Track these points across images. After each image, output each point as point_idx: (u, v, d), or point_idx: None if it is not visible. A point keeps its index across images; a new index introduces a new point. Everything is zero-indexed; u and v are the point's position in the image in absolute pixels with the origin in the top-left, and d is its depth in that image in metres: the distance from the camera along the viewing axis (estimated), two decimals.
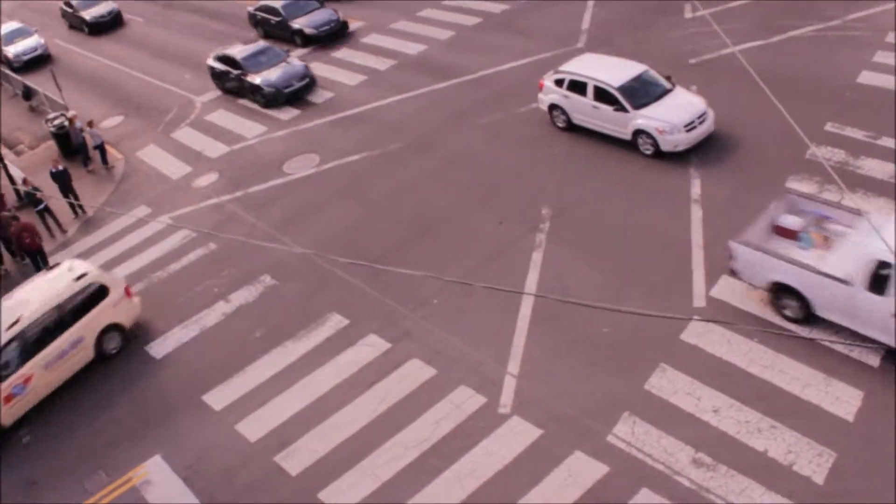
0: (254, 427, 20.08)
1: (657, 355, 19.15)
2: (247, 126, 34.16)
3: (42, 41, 47.76)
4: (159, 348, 23.53)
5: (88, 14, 50.33)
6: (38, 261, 27.74)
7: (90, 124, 33.83)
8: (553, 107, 28.32)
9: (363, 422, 19.35)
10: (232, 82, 36.75)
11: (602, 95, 26.53)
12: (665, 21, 33.80)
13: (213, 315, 24.17)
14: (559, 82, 27.85)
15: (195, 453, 19.91)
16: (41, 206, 29.55)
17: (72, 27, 52.23)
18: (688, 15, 33.83)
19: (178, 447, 20.21)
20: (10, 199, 32.26)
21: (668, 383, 18.43)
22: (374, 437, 18.89)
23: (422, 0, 41.91)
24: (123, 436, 21.02)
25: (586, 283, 21.76)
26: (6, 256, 28.99)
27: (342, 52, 38.50)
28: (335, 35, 40.14)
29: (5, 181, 32.36)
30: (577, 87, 27.27)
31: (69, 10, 51.79)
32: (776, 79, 27.67)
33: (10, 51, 46.96)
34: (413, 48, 37.16)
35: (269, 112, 34.69)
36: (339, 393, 20.31)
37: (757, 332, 18.95)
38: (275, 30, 41.63)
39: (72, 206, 30.63)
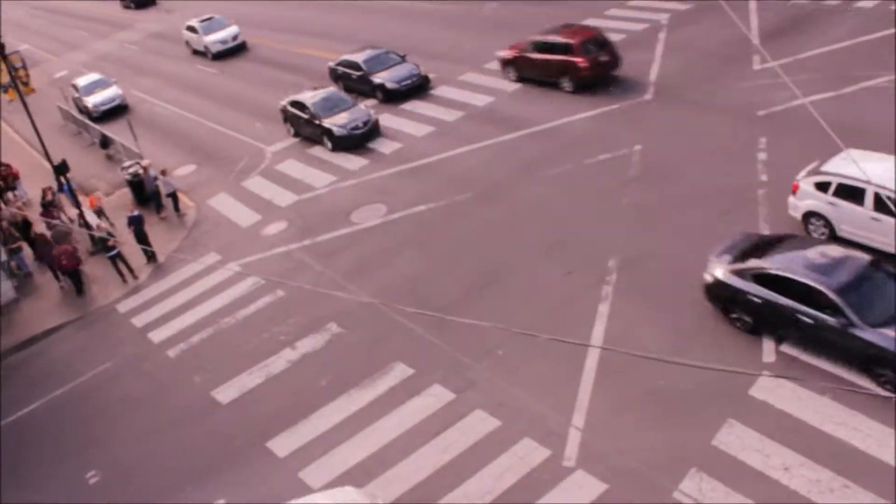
0: (317, 474, 20.12)
1: (725, 411, 18.81)
2: (316, 176, 34.64)
3: (120, 92, 49.22)
4: (225, 393, 23.77)
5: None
6: (77, 283, 31.00)
7: (164, 173, 34.66)
8: (811, 215, 23.16)
9: (426, 472, 19.27)
10: (304, 126, 37.81)
11: (884, 204, 21.49)
12: (733, 72, 33.61)
13: (279, 362, 24.37)
14: (822, 186, 22.78)
15: (259, 499, 19.99)
16: (113, 253, 30.19)
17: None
18: (756, 66, 33.61)
19: (242, 493, 20.32)
20: (82, 243, 33.11)
21: (736, 439, 18.08)
22: (437, 489, 18.80)
23: (487, 52, 42.28)
24: (188, 480, 21.22)
25: (653, 336, 21.52)
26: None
27: (410, 104, 38.90)
28: (418, 89, 39.73)
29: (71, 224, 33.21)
30: (850, 192, 22.17)
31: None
32: (847, 131, 27.20)
33: (90, 101, 48.41)
34: (481, 100, 37.43)
35: (338, 162, 35.13)
36: (402, 442, 20.27)
37: (829, 388, 18.53)
38: (356, 84, 41.13)
39: (145, 251, 31.25)
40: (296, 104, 38.29)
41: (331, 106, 37.14)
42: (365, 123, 36.20)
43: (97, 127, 44.16)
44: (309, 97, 37.93)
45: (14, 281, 32.72)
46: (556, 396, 20.41)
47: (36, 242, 33.48)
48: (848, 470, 16.84)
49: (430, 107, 38.11)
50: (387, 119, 37.95)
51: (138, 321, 28.31)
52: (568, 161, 30.53)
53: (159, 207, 34.93)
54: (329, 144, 36.34)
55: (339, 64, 42.60)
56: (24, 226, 34.31)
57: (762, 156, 27.63)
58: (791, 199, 23.71)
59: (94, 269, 32.34)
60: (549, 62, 36.34)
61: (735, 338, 20.69)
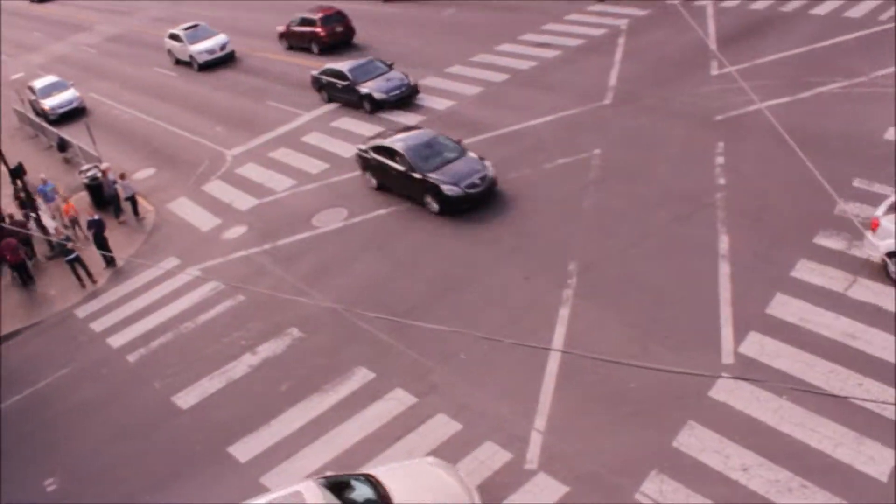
0: (279, 479, 20.02)
1: (685, 412, 18.99)
2: (276, 179, 34.52)
3: (78, 94, 48.72)
4: (186, 399, 23.61)
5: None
6: (23, 275, 31.73)
7: (122, 177, 34.32)
8: (894, 255, 20.97)
9: None
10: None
11: None
12: (691, 77, 33.99)
13: (239, 367, 24.25)
14: None
15: None
16: (72, 256, 29.89)
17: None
18: (714, 72, 34.01)
19: (203, 498, 20.18)
20: (41, 247, 32.74)
21: (696, 441, 18.25)
22: None
23: (450, 56, 42.42)
24: (149, 486, 21.04)
25: (613, 339, 21.68)
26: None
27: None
28: (406, 99, 38.10)
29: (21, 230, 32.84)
30: None
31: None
32: (804, 135, 27.70)
33: (47, 104, 47.86)
34: (441, 104, 37.51)
35: (299, 165, 35.00)
36: (364, 446, 20.25)
37: (787, 389, 18.78)
38: (341, 94, 39.59)
39: (104, 256, 30.97)
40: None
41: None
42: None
43: (54, 130, 43.67)
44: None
45: None
46: (518, 400, 20.49)
47: None
48: (805, 470, 17.06)
49: (391, 111, 38.06)
50: (345, 123, 37.89)
51: (97, 326, 28.04)
52: (527, 165, 30.67)
53: (118, 211, 34.61)
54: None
55: (322, 73, 40.73)
56: None
57: (720, 160, 27.95)
58: (869, 236, 21.44)
59: (53, 273, 31.98)
60: (303, 33, 48.32)
61: (694, 339, 20.91)
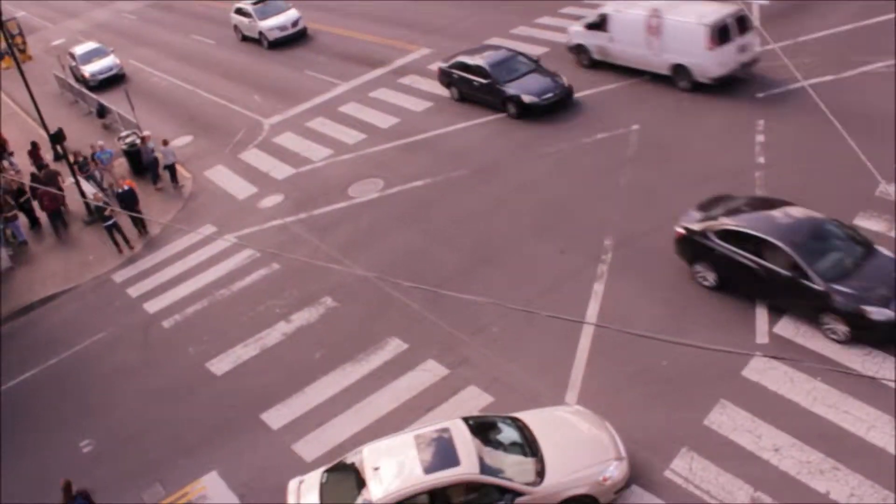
0: (310, 447, 20.21)
1: (717, 391, 18.91)
2: (313, 149, 34.57)
3: (118, 61, 48.92)
4: (220, 365, 23.83)
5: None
6: (57, 223, 33.30)
7: (164, 143, 34.51)
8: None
9: None
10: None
11: None
12: None
13: (273, 335, 24.42)
14: None
15: (252, 471, 20.10)
16: (110, 222, 30.16)
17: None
18: (757, 48, 33.51)
19: (235, 464, 20.42)
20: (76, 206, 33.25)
21: (728, 420, 18.18)
22: None
23: (487, 29, 42.15)
24: (182, 450, 21.31)
25: (647, 315, 21.60)
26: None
27: (409, 79, 38.80)
28: (560, 103, 32.65)
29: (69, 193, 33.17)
30: None
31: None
32: (846, 114, 27.21)
33: (87, 70, 48.15)
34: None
35: (335, 136, 35.04)
36: (396, 417, 20.36)
37: (821, 370, 18.63)
38: (478, 93, 34.43)
39: (135, 223, 31.19)
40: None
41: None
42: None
43: (94, 96, 43.98)
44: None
45: (9, 249, 32.68)
46: (550, 374, 20.49)
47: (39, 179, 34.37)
48: (838, 452, 16.96)
49: (429, 82, 37.99)
50: (383, 93, 37.85)
51: (134, 291, 28.32)
52: (565, 140, 30.50)
53: (156, 178, 34.84)
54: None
55: (453, 67, 35.57)
56: (19, 194, 34.22)
57: (760, 138, 27.64)
58: None
59: (91, 238, 32.30)
60: None
61: (729, 318, 20.77)
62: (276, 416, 21.49)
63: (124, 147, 35.99)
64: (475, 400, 20.22)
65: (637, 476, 17.43)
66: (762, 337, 20.05)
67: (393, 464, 16.83)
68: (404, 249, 26.75)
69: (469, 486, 16.31)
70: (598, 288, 22.93)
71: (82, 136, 41.32)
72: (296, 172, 33.21)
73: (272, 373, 22.99)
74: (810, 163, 25.78)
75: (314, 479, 17.80)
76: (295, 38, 47.74)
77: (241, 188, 33.09)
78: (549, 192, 27.66)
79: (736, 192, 25.09)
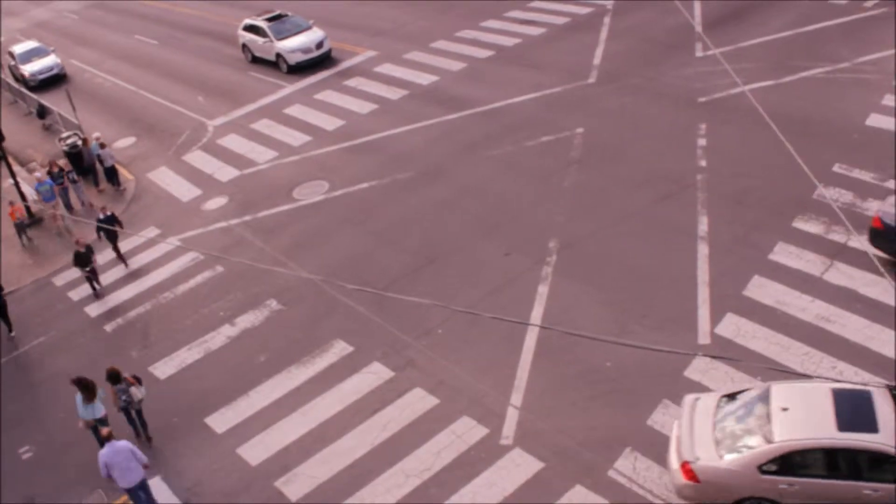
0: (255, 451, 20.09)
1: (660, 391, 19.14)
2: (258, 151, 34.38)
3: (58, 61, 48.17)
4: (164, 369, 23.60)
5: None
6: None
7: (102, 146, 34.05)
8: None
9: (365, 449, 19.35)
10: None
11: None
12: (676, 58, 34.00)
13: (218, 338, 24.24)
14: None
15: (196, 476, 19.92)
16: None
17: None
18: (699, 53, 34.03)
19: (179, 469, 20.22)
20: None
21: (670, 419, 18.40)
22: (375, 465, 18.89)
23: (434, 32, 42.28)
24: None
25: (591, 316, 21.80)
26: None
27: (354, 81, 38.77)
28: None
29: (13, 195, 32.60)
30: None
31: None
32: (786, 119, 27.81)
33: (27, 69, 47.36)
34: (425, 79, 37.42)
35: (280, 138, 34.87)
36: (341, 419, 20.32)
37: (761, 370, 18.94)
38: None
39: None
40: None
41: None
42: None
43: (34, 96, 43.26)
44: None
45: None
46: (495, 376, 20.59)
47: None
48: None
49: (374, 84, 38.00)
50: (329, 96, 37.77)
51: (75, 294, 27.92)
52: (510, 142, 30.68)
53: (97, 180, 34.38)
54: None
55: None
56: None
57: (702, 141, 28.04)
58: None
59: (33, 240, 31.77)
60: None
61: (671, 320, 21.04)
62: (221, 420, 21.33)
63: (65, 148, 35.42)
64: (421, 402, 20.25)
65: (581, 476, 17.59)
66: (704, 337, 20.34)
67: (804, 409, 15.64)
68: (350, 252, 26.71)
69: (875, 457, 14.93)
70: (543, 290, 23.09)
71: (22, 137, 40.74)
72: (240, 174, 32.99)
73: (216, 376, 22.81)
74: (750, 166, 26.21)
75: (710, 401, 16.83)
76: (320, 62, 41.54)
77: (184, 190, 32.78)
78: (495, 194, 27.80)
79: (679, 195, 25.48)
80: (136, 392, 20.62)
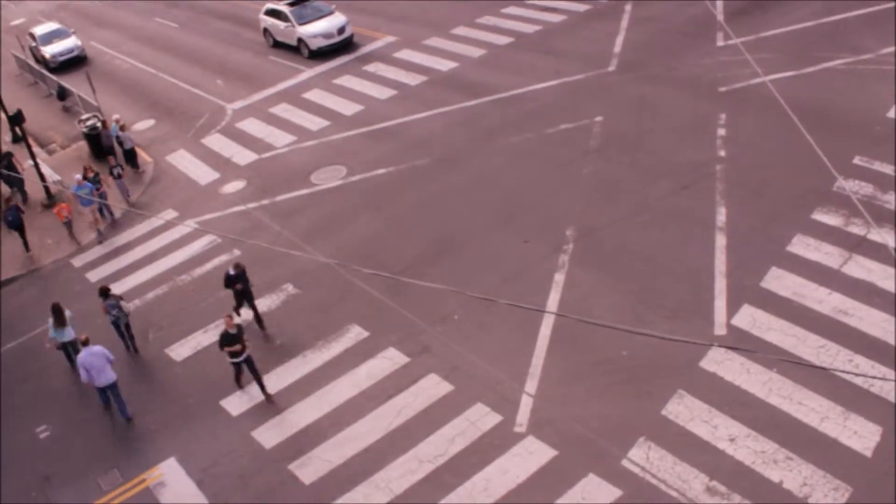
0: (270, 434, 20.18)
1: (675, 381, 19.10)
2: (276, 135, 34.42)
3: (79, 42, 48.31)
4: (180, 351, 23.70)
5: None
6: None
7: (122, 128, 34.16)
8: None
9: (379, 434, 19.40)
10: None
11: None
12: (697, 48, 33.81)
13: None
14: None
15: (210, 457, 20.02)
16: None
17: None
18: (720, 43, 33.81)
19: (194, 450, 20.33)
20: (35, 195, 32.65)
21: (685, 410, 18.38)
22: (388, 451, 18.94)
23: (455, 18, 42.18)
24: (140, 436, 21.18)
25: (607, 305, 21.76)
26: None
27: (374, 66, 38.74)
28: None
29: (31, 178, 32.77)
30: None
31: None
32: (806, 110, 27.60)
33: (48, 51, 47.52)
34: (445, 65, 37.35)
35: (299, 122, 34.90)
36: (356, 404, 20.38)
37: (777, 362, 18.87)
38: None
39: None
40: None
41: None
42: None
43: (54, 78, 43.41)
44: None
45: None
46: (510, 363, 20.59)
47: None
48: (791, 442, 17.20)
49: (393, 70, 37.96)
50: (348, 81, 37.75)
51: (93, 276, 28.05)
52: (529, 129, 30.59)
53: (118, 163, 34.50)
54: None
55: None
56: None
57: (721, 132, 27.89)
58: None
59: (50, 221, 31.90)
60: None
61: (687, 310, 20.99)
62: (236, 403, 21.42)
63: (85, 130, 35.53)
64: (435, 388, 20.28)
65: (594, 465, 17.59)
66: (720, 328, 20.27)
67: None
68: (366, 237, 26.73)
69: None
70: (560, 278, 23.06)
71: (42, 118, 40.91)
72: (258, 158, 33.05)
73: None
74: (770, 157, 26.06)
75: None
76: (342, 48, 41.32)
77: (203, 173, 32.86)
78: (513, 182, 27.75)
79: (697, 185, 25.36)
80: (126, 305, 23.67)
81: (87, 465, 20.72)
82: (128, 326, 23.86)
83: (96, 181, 30.73)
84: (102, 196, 30.87)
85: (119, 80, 44.26)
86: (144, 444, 20.90)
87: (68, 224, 30.53)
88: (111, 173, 31.51)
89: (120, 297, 23.61)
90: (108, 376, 21.34)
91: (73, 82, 42.32)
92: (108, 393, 21.71)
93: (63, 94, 41.84)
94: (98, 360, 21.18)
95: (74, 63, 47.38)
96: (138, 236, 29.59)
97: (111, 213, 31.25)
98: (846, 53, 31.00)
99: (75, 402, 22.89)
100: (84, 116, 36.51)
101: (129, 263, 28.13)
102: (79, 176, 30.25)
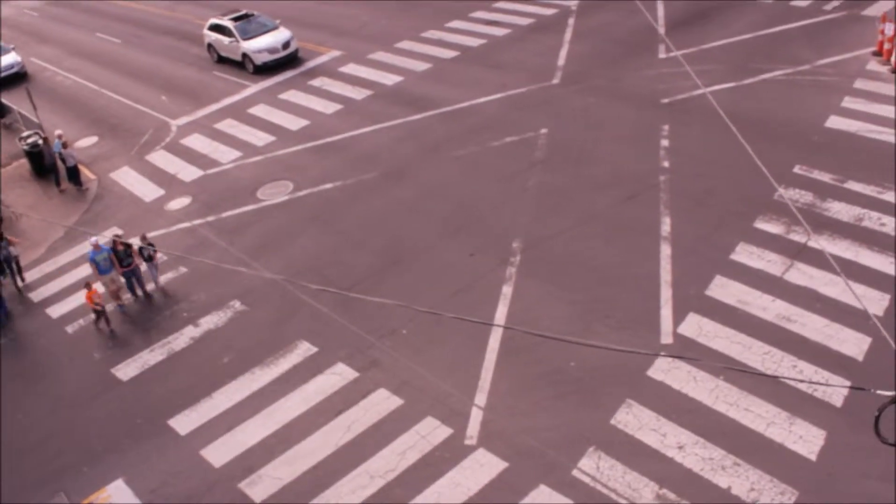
0: (219, 453, 19.99)
1: (623, 391, 19.27)
2: (222, 151, 34.20)
3: (19, 58, 47.58)
4: (126, 370, 23.40)
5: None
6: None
7: (64, 145, 33.70)
8: None
9: (329, 450, 19.31)
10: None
11: None
12: (639, 60, 34.25)
13: (181, 339, 24.08)
14: None
15: (159, 478, 19.78)
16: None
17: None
18: (661, 55, 34.30)
19: (142, 471, 20.07)
20: None
21: (633, 419, 18.54)
22: (339, 466, 18.86)
23: (399, 32, 42.29)
24: (86, 458, 20.85)
25: (555, 316, 21.89)
26: None
27: (319, 81, 38.69)
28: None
29: None
30: None
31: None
32: (746, 121, 28.09)
33: None
34: (390, 79, 37.41)
35: (245, 138, 34.72)
36: (305, 421, 20.27)
37: (723, 369, 19.12)
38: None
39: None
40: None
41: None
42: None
43: None
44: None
45: None
46: (459, 376, 20.62)
47: None
48: (738, 448, 17.43)
49: (338, 84, 37.94)
50: (293, 95, 37.66)
51: (35, 296, 27.62)
52: (475, 142, 30.74)
53: (58, 180, 34.04)
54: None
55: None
56: None
57: (665, 142, 28.26)
58: None
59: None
60: None
61: (634, 320, 21.19)
62: (184, 422, 21.20)
63: (26, 147, 35.02)
64: (385, 402, 20.24)
65: (545, 476, 17.66)
66: (666, 337, 20.50)
67: None
68: (314, 252, 26.64)
69: None
70: (507, 290, 23.16)
71: None
72: (204, 174, 32.80)
73: (180, 378, 22.66)
74: (712, 167, 26.45)
75: None
76: (287, 62, 41.49)
77: (147, 190, 32.54)
78: (459, 195, 27.84)
79: (642, 195, 25.65)
80: (13, 249, 27.46)
81: (33, 489, 20.33)
82: (18, 264, 27.79)
83: (127, 256, 25.67)
84: (132, 275, 26.06)
85: (61, 97, 43.69)
86: (91, 466, 20.57)
87: (100, 315, 25.25)
88: (141, 253, 25.95)
89: (12, 241, 27.57)
90: None
91: (13, 99, 41.68)
92: None
93: (2, 111, 41.21)
94: None
95: (14, 79, 46.63)
96: (82, 254, 29.15)
97: (144, 291, 26.37)
98: (784, 65, 31.62)
99: (19, 425, 22.47)
100: (25, 134, 35.95)
101: (72, 282, 27.71)
102: (95, 239, 25.52)
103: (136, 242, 26.11)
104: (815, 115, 28.09)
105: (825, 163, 25.60)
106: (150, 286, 26.57)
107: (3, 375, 24.41)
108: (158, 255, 26.67)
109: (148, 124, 38.26)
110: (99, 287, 25.81)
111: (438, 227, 26.47)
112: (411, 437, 19.15)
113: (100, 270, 25.61)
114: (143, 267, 26.60)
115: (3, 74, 46.60)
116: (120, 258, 25.64)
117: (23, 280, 28.19)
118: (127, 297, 26.21)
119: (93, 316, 25.51)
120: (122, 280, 26.07)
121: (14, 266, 27.92)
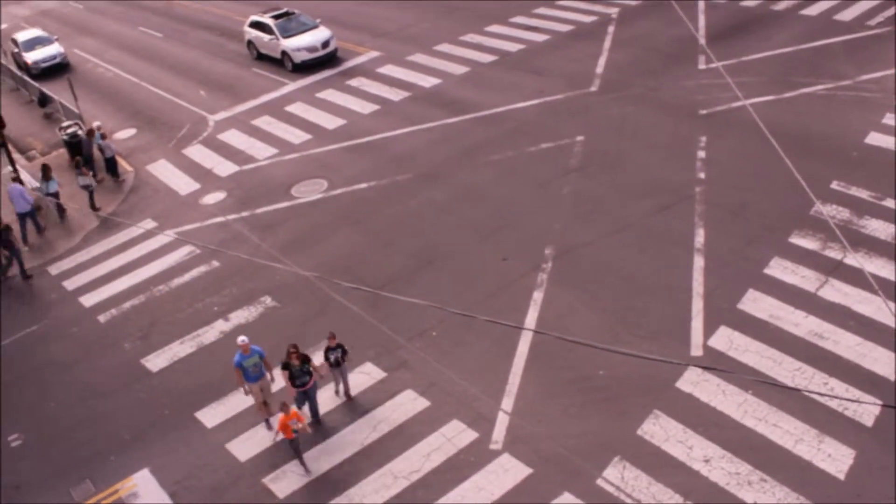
0: (244, 447, 20.08)
1: (651, 401, 19.16)
2: (258, 147, 34.38)
3: (62, 50, 48.10)
4: (156, 362, 23.57)
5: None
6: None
7: (103, 137, 34.02)
8: None
9: (354, 449, 19.35)
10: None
11: None
12: (679, 70, 34.07)
13: (211, 333, 24.22)
14: None
15: (184, 469, 19.90)
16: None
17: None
18: (701, 66, 34.10)
19: (168, 462, 20.21)
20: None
21: (660, 430, 18.43)
22: (363, 466, 18.89)
23: (439, 35, 42.33)
24: (114, 447, 21.02)
25: (585, 324, 21.82)
26: None
27: (357, 81, 38.80)
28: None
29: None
30: None
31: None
32: (785, 134, 27.85)
33: (30, 57, 47.29)
34: (428, 81, 37.45)
35: (281, 135, 34.89)
36: (331, 418, 20.32)
37: (753, 383, 18.97)
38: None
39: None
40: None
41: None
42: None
43: (36, 84, 43.23)
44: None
45: None
46: (487, 380, 20.59)
47: None
48: (766, 464, 17.29)
49: (376, 85, 38.03)
50: (331, 95, 37.79)
51: (70, 284, 27.88)
52: (510, 147, 30.70)
53: (96, 171, 34.34)
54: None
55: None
56: None
57: (701, 153, 28.09)
58: None
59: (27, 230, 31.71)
60: None
61: (664, 330, 21.07)
62: (211, 415, 21.32)
63: (65, 137, 35.35)
64: (411, 404, 20.26)
65: (569, 484, 17.60)
66: (696, 349, 20.37)
67: None
68: (346, 251, 26.71)
69: None
70: (538, 296, 23.11)
71: (22, 125, 40.70)
72: (239, 170, 32.99)
73: (209, 371, 22.78)
74: (749, 180, 26.26)
75: None
76: (326, 62, 41.33)
77: (183, 184, 32.77)
78: (494, 199, 27.82)
79: (677, 206, 25.51)
80: (84, 179, 31.22)
81: (60, 476, 20.53)
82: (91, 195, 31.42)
83: (305, 366, 19.59)
84: (308, 394, 20.02)
85: (101, 89, 44.12)
86: (118, 455, 20.74)
87: (296, 449, 19.15)
88: (327, 358, 20.09)
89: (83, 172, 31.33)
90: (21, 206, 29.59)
91: (54, 89, 42.16)
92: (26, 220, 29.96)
93: (44, 100, 41.69)
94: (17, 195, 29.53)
95: (57, 70, 47.19)
96: (116, 245, 29.43)
97: (316, 414, 20.40)
98: (826, 79, 31.33)
99: (48, 412, 22.69)
100: (65, 124, 36.34)
101: (106, 272, 27.96)
102: (244, 339, 19.82)
103: (317, 357, 20.53)
104: (854, 131, 27.81)
105: (863, 179, 25.34)
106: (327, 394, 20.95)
107: (36, 363, 24.64)
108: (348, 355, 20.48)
109: (186, 118, 38.55)
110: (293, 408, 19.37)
111: (471, 231, 26.46)
112: (437, 440, 19.15)
113: (246, 377, 20.04)
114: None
115: (46, 65, 47.18)
116: (293, 375, 19.59)
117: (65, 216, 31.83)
118: (299, 426, 18.67)
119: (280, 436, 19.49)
120: (294, 408, 19.49)
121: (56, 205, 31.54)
